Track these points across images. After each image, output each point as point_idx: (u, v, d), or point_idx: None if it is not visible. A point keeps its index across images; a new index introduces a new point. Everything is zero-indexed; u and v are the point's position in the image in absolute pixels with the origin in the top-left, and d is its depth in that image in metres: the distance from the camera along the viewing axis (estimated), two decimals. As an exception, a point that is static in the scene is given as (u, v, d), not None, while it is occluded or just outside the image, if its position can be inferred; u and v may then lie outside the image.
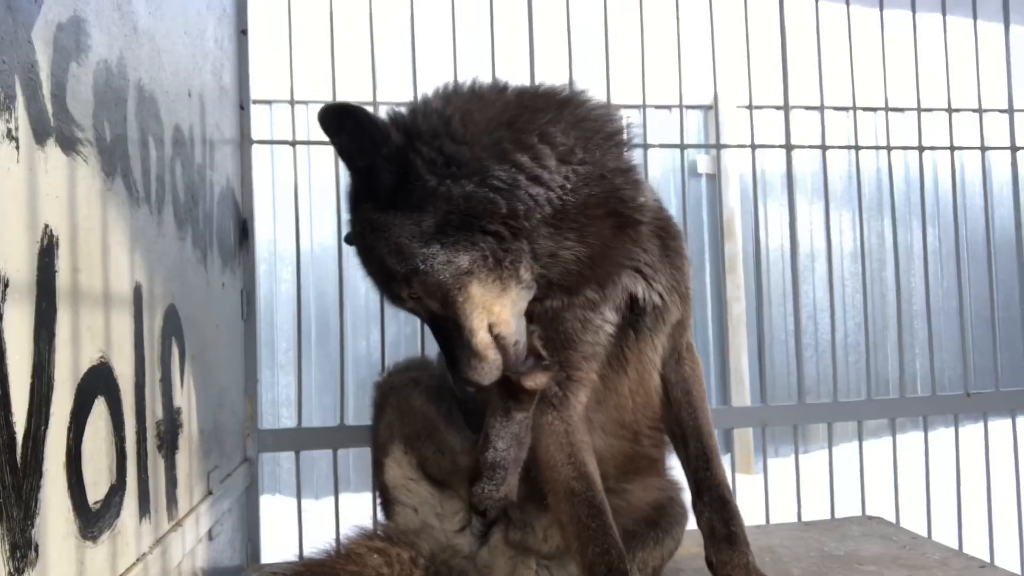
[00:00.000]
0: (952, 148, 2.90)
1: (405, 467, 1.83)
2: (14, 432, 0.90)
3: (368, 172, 1.45)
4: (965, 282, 5.57)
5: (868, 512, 2.58)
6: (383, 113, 1.56)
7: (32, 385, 0.95)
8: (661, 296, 1.60)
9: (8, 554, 0.88)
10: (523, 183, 1.42)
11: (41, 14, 0.96)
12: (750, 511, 2.62)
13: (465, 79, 1.60)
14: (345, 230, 1.61)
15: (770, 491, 2.64)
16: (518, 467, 1.65)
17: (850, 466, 2.76)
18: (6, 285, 0.88)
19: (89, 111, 1.13)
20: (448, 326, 1.46)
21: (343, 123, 1.41)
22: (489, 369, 1.45)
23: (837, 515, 2.57)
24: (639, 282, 1.58)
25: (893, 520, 2.52)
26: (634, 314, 1.60)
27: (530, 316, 1.55)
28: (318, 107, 1.39)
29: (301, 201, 2.67)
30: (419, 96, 1.57)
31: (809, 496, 2.66)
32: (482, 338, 1.44)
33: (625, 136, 1.60)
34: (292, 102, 2.46)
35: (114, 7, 1.24)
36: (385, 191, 1.44)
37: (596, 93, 1.63)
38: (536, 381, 1.53)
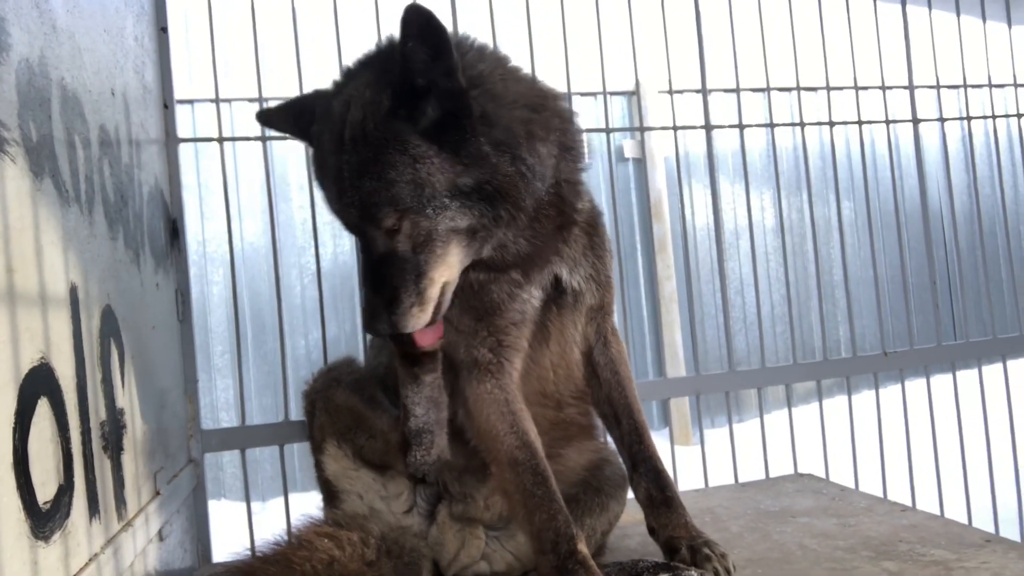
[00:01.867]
0: (860, 123, 3.06)
1: (341, 459, 1.86)
2: (-40, 432, 0.90)
3: (420, 93, 1.38)
4: (879, 251, 5.87)
5: (800, 470, 2.73)
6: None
7: (-25, 386, 0.95)
8: (579, 283, 1.70)
9: (-38, 553, 0.88)
10: (538, 173, 1.47)
11: (-38, 13, 0.96)
12: (690, 479, 2.75)
13: (479, 39, 1.59)
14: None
15: (708, 459, 2.76)
16: (443, 427, 1.70)
17: (781, 430, 2.91)
18: (-56, 285, 0.88)
19: (14, 111, 1.12)
20: (404, 268, 1.42)
21: (423, 32, 1.33)
22: (422, 320, 1.46)
23: (771, 475, 2.70)
24: (563, 267, 1.67)
25: (823, 476, 2.67)
26: (557, 292, 1.68)
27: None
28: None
29: (231, 198, 2.64)
30: (455, 35, 1.52)
31: (744, 461, 2.79)
32: (434, 292, 1.46)
33: (582, 152, 1.68)
34: (217, 100, 2.44)
35: (32, 5, 1.23)
36: (428, 121, 1.39)
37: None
38: (428, 339, 1.57)
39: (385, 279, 1.45)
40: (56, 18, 1.34)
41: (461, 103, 1.39)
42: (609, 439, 1.93)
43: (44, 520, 1.13)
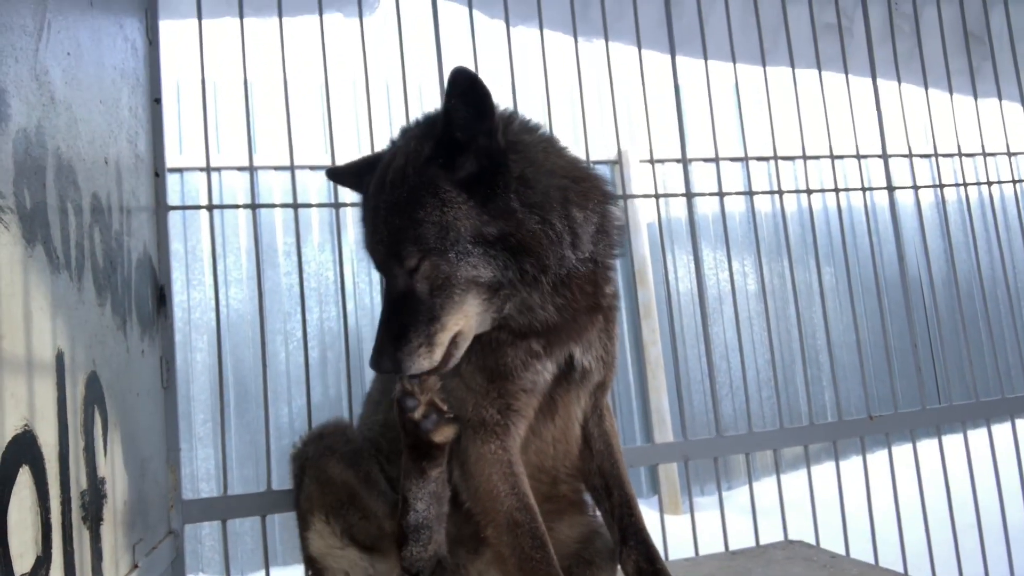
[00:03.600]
0: (836, 190, 3.15)
1: (328, 536, 1.81)
2: (-60, 501, 0.89)
3: (459, 146, 1.47)
4: (860, 315, 5.94)
5: (790, 537, 2.70)
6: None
7: (-42, 453, 0.93)
8: (590, 363, 1.72)
9: (-64, 628, 0.86)
10: (567, 241, 1.51)
11: (-35, 85, 0.98)
12: (681, 547, 2.71)
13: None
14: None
15: (697, 526, 2.72)
16: (442, 523, 1.68)
17: (770, 496, 2.89)
18: (-67, 351, 0.88)
19: (10, 179, 1.14)
20: (418, 309, 1.46)
21: (467, 93, 1.43)
22: (427, 364, 1.47)
23: (761, 543, 2.67)
24: (579, 347, 1.68)
25: (813, 542, 2.64)
26: (568, 369, 1.69)
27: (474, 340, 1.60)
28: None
29: (217, 266, 2.65)
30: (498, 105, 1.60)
31: (734, 528, 2.75)
32: (445, 337, 1.47)
33: (620, 240, 1.72)
34: (208, 169, 2.48)
35: (32, 77, 1.26)
36: (464, 173, 1.46)
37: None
38: (444, 434, 1.58)
39: (398, 317, 1.48)
40: (55, 90, 1.38)
41: (497, 161, 1.47)
42: (597, 513, 1.92)
43: (20, 593, 1.09)
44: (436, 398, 1.59)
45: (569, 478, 1.86)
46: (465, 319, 1.49)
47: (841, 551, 2.56)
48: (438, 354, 1.48)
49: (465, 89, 1.44)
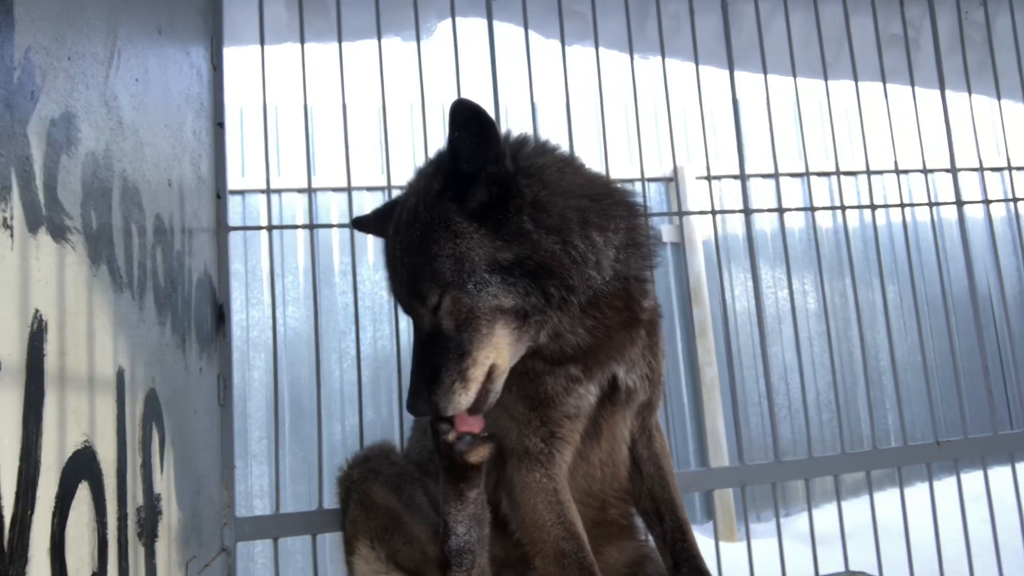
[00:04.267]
0: (903, 205, 3.04)
1: (372, 562, 1.81)
2: (2, 516, 0.90)
3: (467, 179, 1.46)
4: (927, 336, 5.72)
5: (851, 567, 2.58)
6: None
7: (20, 468, 0.95)
8: (635, 382, 1.68)
9: (-4, 643, 0.87)
10: (591, 262, 1.47)
11: (36, 110, 1.01)
12: (736, 576, 2.62)
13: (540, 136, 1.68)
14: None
15: (754, 554, 2.63)
16: (484, 546, 1.65)
17: (830, 523, 2.78)
18: (-1, 369, 0.90)
19: (77, 201, 1.17)
20: (447, 347, 1.44)
21: (470, 123, 1.42)
22: (464, 402, 1.44)
23: (821, 572, 2.56)
24: (622, 367, 1.64)
25: (876, 574, 2.52)
26: (611, 390, 1.66)
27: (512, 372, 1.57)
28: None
29: (276, 285, 2.69)
30: (509, 130, 1.61)
31: (793, 557, 2.65)
32: (478, 373, 1.44)
33: (652, 250, 1.68)
34: (268, 191, 2.53)
35: (102, 103, 1.30)
36: (476, 203, 1.45)
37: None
38: (479, 454, 1.56)
39: (429, 358, 1.45)
40: (123, 115, 1.42)
41: (507, 187, 1.45)
42: (649, 537, 1.87)
43: (78, 609, 1.11)
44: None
45: (618, 502, 1.82)
46: (496, 351, 1.45)
47: (909, 584, 2.44)
48: (473, 390, 1.44)
49: (467, 120, 1.42)
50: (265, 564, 4.72)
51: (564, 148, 1.68)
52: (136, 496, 1.43)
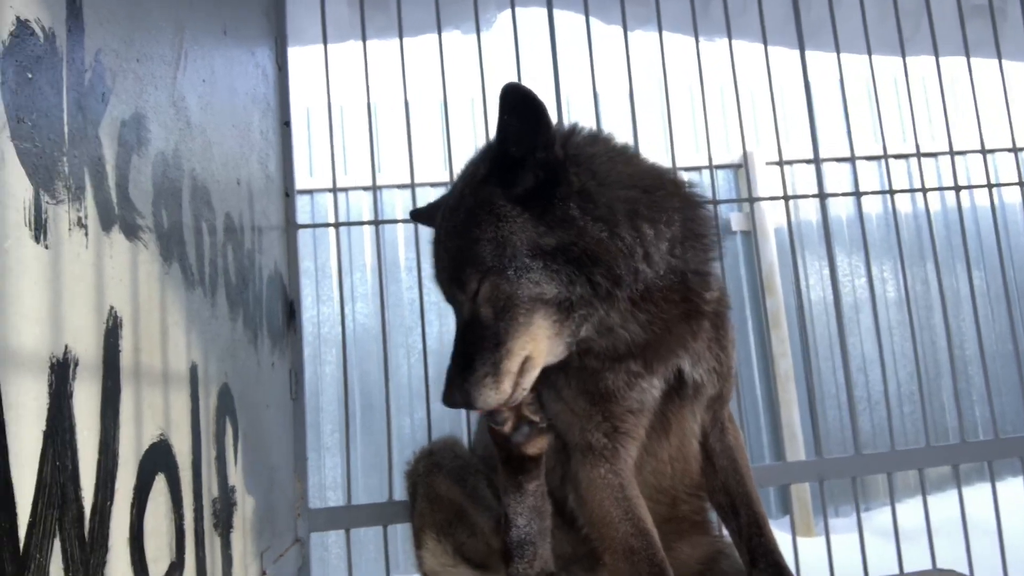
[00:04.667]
0: (989, 186, 2.88)
1: (440, 555, 1.82)
2: (83, 507, 0.93)
3: (515, 163, 1.42)
4: (1018, 323, 5.42)
5: (939, 565, 2.46)
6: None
7: (99, 461, 0.98)
8: (702, 376, 1.62)
9: (78, 629, 0.89)
10: (639, 254, 1.42)
11: (107, 112, 1.04)
12: (813, 572, 2.53)
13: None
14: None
15: (833, 551, 2.54)
16: (546, 538, 1.63)
17: (914, 519, 2.65)
18: (76, 364, 0.92)
19: (149, 200, 1.20)
20: (484, 336, 1.39)
21: (519, 107, 1.38)
22: (495, 395, 1.38)
23: (906, 570, 2.45)
24: (687, 360, 1.58)
25: (966, 572, 2.40)
26: (678, 383, 1.61)
27: (565, 370, 1.54)
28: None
29: (344, 281, 2.73)
30: (565, 120, 1.57)
31: (874, 554, 2.55)
32: (512, 364, 1.38)
33: (713, 241, 1.62)
34: (335, 189, 2.56)
35: (170, 103, 1.33)
36: (522, 189, 1.41)
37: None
38: (537, 446, 1.53)
39: (465, 347, 1.42)
40: (191, 115, 1.45)
41: (556, 173, 1.41)
42: (724, 532, 1.82)
43: (157, 597, 1.14)
44: (527, 410, 1.53)
45: (690, 497, 1.77)
46: (533, 343, 1.40)
47: (1003, 585, 2.31)
48: (507, 383, 1.38)
49: (516, 103, 1.38)
50: (339, 554, 4.83)
51: (619, 138, 1.63)
52: (211, 488, 1.46)
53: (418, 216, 1.92)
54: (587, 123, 1.66)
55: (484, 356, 1.38)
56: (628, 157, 1.55)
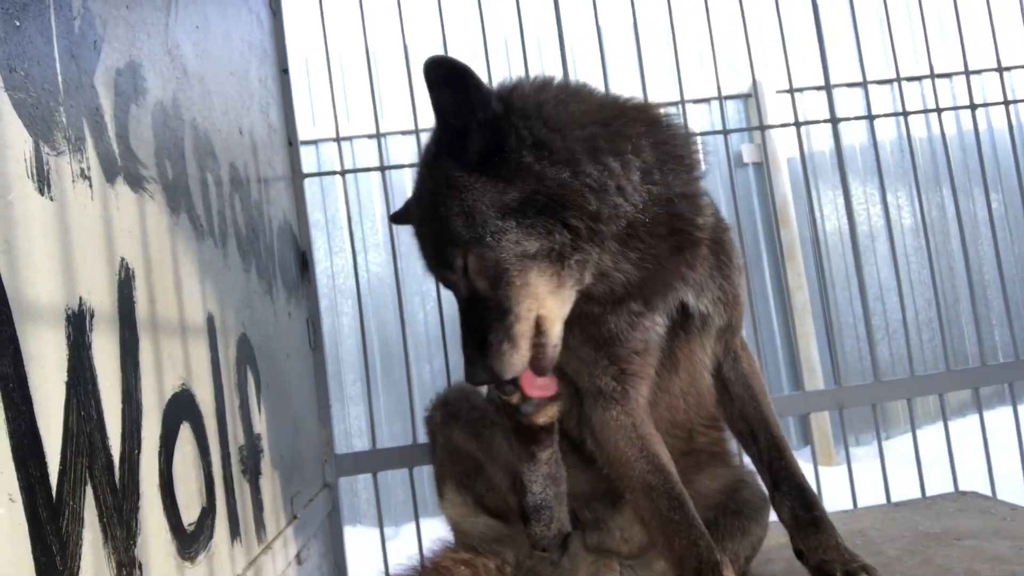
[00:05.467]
0: (1006, 103, 2.80)
1: (459, 506, 1.86)
2: (111, 455, 0.95)
3: (460, 132, 1.40)
4: (1038, 244, 5.35)
5: (961, 488, 2.48)
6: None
7: (123, 410, 0.99)
8: (707, 307, 1.60)
9: (116, 571, 0.92)
10: (611, 188, 1.38)
11: (101, 60, 1.02)
12: (836, 500, 2.55)
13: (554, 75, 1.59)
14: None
15: (855, 478, 2.56)
16: (561, 501, 1.64)
17: (935, 446, 2.67)
18: (92, 315, 0.93)
19: (151, 150, 1.19)
20: (488, 308, 1.38)
21: (447, 78, 1.36)
22: (518, 361, 1.37)
23: (928, 494, 2.48)
24: (689, 292, 1.57)
25: (989, 494, 2.42)
26: (684, 317, 1.60)
27: (568, 319, 1.50)
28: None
29: (355, 231, 2.73)
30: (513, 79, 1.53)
31: (896, 479, 2.57)
32: (524, 328, 1.36)
33: (695, 160, 1.56)
34: (338, 139, 2.53)
35: (164, 51, 1.31)
36: (473, 154, 1.38)
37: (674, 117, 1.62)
38: (547, 414, 1.52)
39: (474, 324, 1.40)
40: (187, 63, 1.43)
41: (500, 129, 1.38)
42: (746, 460, 1.83)
43: (190, 541, 1.17)
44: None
45: (707, 430, 1.77)
46: (538, 302, 1.37)
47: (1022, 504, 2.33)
48: (524, 348, 1.37)
49: (442, 76, 1.35)
50: (368, 499, 4.95)
51: (573, 80, 1.57)
52: (237, 436, 1.48)
53: (398, 219, 1.87)
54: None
55: (494, 327, 1.36)
56: (582, 96, 1.50)
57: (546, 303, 1.39)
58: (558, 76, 1.57)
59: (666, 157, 1.48)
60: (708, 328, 1.64)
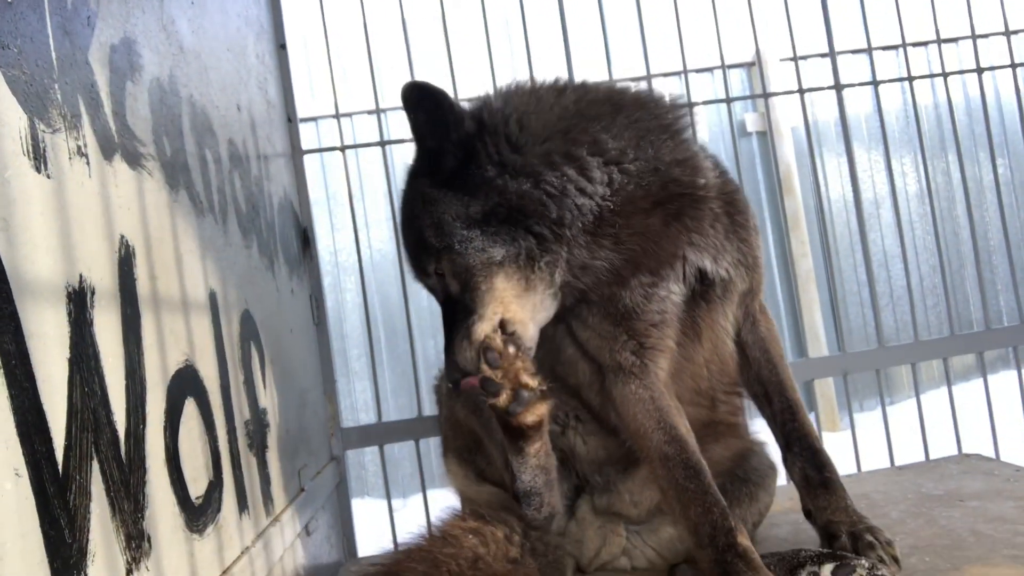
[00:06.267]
0: (1013, 65, 2.77)
1: (462, 478, 1.90)
2: (116, 430, 0.96)
3: (434, 152, 1.51)
4: (1044, 209, 5.31)
5: (964, 451, 2.49)
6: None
7: (127, 386, 1.00)
8: (728, 271, 1.61)
9: (124, 544, 0.93)
10: (572, 192, 1.47)
11: (95, 36, 1.02)
12: (840, 466, 2.55)
13: (526, 79, 1.64)
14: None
15: (859, 444, 2.57)
16: (552, 488, 1.68)
17: (939, 411, 2.67)
18: (92, 292, 0.93)
19: (148, 127, 1.19)
20: (457, 309, 1.51)
21: (422, 102, 1.47)
22: (473, 358, 1.47)
23: (932, 458, 2.49)
24: (706, 257, 1.57)
25: (992, 456, 2.43)
26: (704, 285, 1.60)
27: (586, 301, 1.56)
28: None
29: (356, 209, 2.73)
30: (490, 90, 1.63)
31: (900, 444, 2.58)
32: (484, 328, 1.46)
33: (683, 125, 1.60)
34: (337, 115, 2.52)
35: (159, 27, 1.30)
36: (445, 172, 1.50)
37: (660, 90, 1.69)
38: (536, 412, 1.53)
39: (449, 327, 1.53)
40: (183, 39, 1.42)
41: (470, 148, 1.49)
42: (754, 429, 1.85)
43: (197, 514, 1.18)
44: (524, 375, 1.48)
45: (728, 396, 1.79)
46: (503, 305, 1.48)
47: (1027, 466, 2.34)
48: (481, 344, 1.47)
49: (416, 101, 1.47)
50: (376, 472, 4.99)
51: (542, 81, 1.62)
52: (242, 410, 1.50)
53: None
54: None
55: (459, 326, 1.49)
56: (542, 106, 1.55)
57: (511, 306, 1.49)
58: (533, 79, 1.63)
59: (646, 131, 1.54)
60: (730, 294, 1.65)
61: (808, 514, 1.65)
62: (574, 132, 1.51)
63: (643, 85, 2.65)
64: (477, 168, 1.47)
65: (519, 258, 1.46)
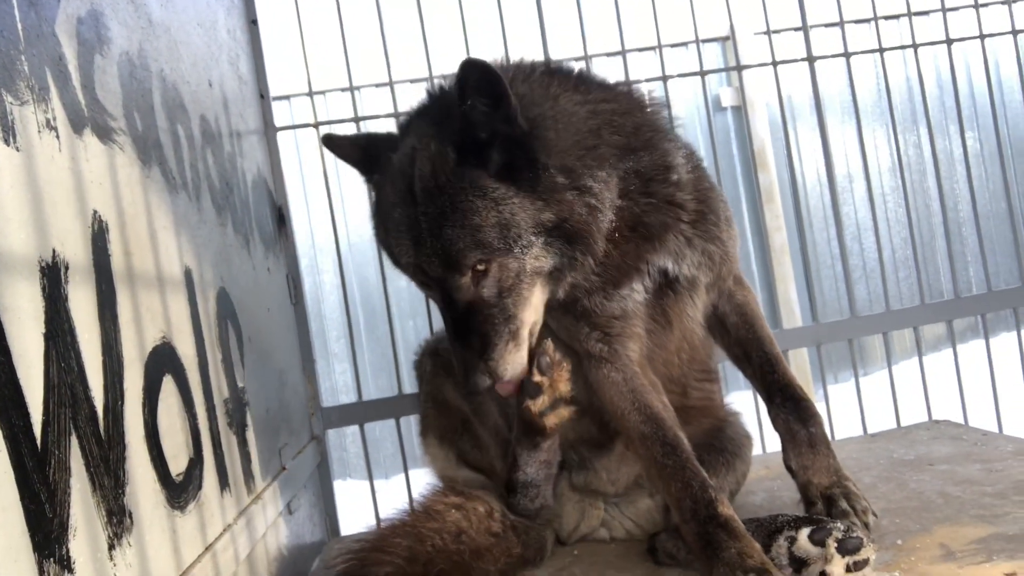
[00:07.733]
0: (981, 36, 2.80)
1: (441, 460, 1.91)
2: (94, 406, 0.95)
3: (483, 143, 1.40)
4: (1012, 180, 5.39)
5: (935, 418, 2.55)
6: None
7: (104, 362, 1.00)
8: (689, 269, 1.62)
9: (106, 519, 0.93)
10: (606, 200, 1.46)
11: (61, 8, 1.00)
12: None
13: (527, 61, 1.60)
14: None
15: (833, 413, 2.62)
16: (550, 482, 1.72)
17: (911, 380, 2.72)
18: (66, 267, 0.92)
19: (119, 101, 1.17)
20: (492, 314, 1.43)
21: (482, 88, 1.35)
22: (519, 362, 1.47)
23: (903, 425, 2.54)
24: (668, 260, 1.59)
25: (961, 422, 2.49)
26: (668, 279, 1.62)
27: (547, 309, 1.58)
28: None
29: (332, 189, 2.70)
30: (507, 69, 1.53)
31: (872, 413, 2.63)
32: (526, 333, 1.47)
33: (661, 127, 1.63)
34: (311, 92, 2.50)
35: (127, 0, 1.28)
36: (497, 165, 1.40)
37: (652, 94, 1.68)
38: (558, 416, 1.57)
39: (472, 329, 1.44)
40: (151, 12, 1.39)
41: (525, 145, 1.40)
42: (728, 401, 1.88)
43: (178, 491, 1.18)
44: (563, 383, 1.56)
45: (700, 383, 1.82)
46: (535, 312, 1.49)
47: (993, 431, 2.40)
48: (525, 351, 1.47)
49: (479, 82, 1.34)
50: (357, 452, 4.99)
51: (549, 70, 1.58)
52: (221, 388, 1.49)
53: (334, 147, 1.75)
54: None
55: (500, 330, 1.44)
56: (572, 108, 1.51)
57: (538, 313, 1.51)
58: (538, 68, 1.57)
59: (636, 140, 1.55)
60: (695, 287, 1.66)
61: (789, 469, 1.64)
62: (597, 153, 1.49)
63: (618, 60, 2.65)
64: (543, 169, 1.40)
65: (553, 272, 1.46)
